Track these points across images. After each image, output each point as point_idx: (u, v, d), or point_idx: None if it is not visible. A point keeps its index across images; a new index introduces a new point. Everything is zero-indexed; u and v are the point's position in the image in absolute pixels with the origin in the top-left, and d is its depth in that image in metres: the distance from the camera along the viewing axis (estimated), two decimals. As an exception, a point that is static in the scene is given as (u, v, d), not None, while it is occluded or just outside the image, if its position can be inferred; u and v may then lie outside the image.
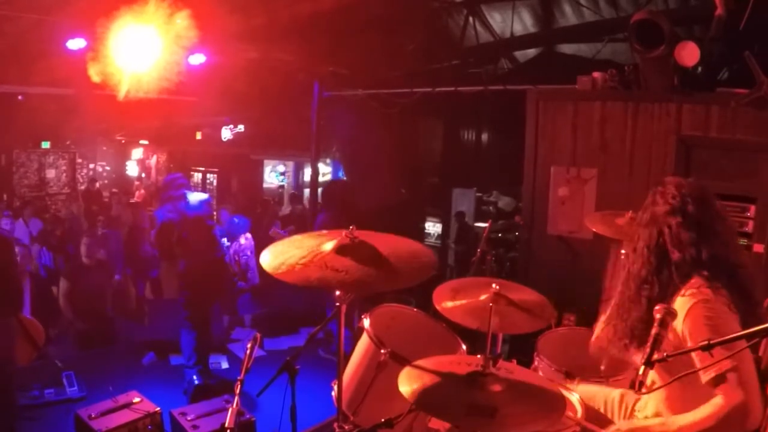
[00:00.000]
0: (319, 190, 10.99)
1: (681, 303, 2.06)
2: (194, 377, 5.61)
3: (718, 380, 1.90)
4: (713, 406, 1.91)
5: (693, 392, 2.02)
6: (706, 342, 1.67)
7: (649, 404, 2.26)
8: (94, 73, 5.92)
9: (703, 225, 2.17)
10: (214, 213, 9.41)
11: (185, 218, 5.70)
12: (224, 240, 7.80)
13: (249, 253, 7.89)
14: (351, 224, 2.42)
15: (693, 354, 1.91)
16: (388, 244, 2.45)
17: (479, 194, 9.74)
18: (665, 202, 2.23)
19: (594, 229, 3.36)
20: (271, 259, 2.35)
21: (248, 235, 7.98)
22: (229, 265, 7.48)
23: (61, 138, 14.74)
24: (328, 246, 2.36)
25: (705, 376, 1.93)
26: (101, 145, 16.22)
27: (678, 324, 2.03)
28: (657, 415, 2.19)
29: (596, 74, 5.20)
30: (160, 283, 8.60)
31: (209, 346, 6.03)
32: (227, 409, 2.28)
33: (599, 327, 2.49)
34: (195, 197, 5.91)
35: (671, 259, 2.16)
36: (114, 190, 13.70)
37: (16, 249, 5.44)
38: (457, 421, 1.98)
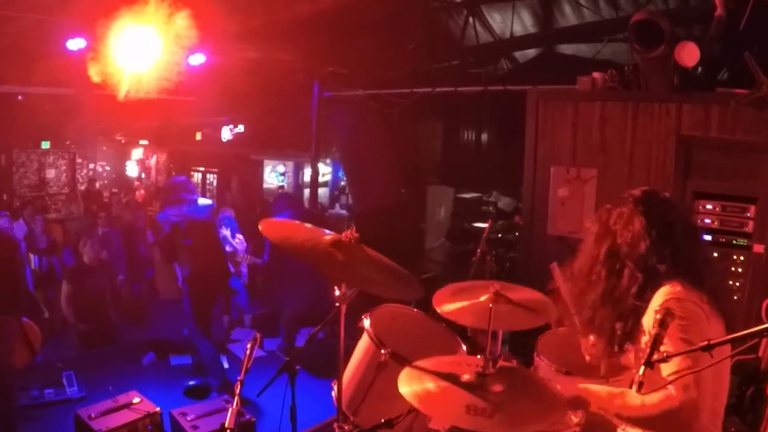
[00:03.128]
0: (319, 190, 11.00)
1: (655, 300, 2.06)
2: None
3: (678, 375, 1.87)
4: (665, 395, 1.87)
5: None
6: (705, 342, 1.67)
7: None
8: (94, 73, 5.93)
9: (667, 229, 2.16)
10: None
11: (191, 223, 5.67)
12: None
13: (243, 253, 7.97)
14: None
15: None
16: (378, 257, 2.65)
17: (479, 194, 9.74)
18: (628, 211, 2.20)
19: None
20: (278, 233, 2.59)
21: (240, 236, 8.02)
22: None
23: (61, 138, 14.74)
24: (326, 237, 2.54)
25: (666, 369, 1.90)
26: (101, 145, 16.22)
27: (647, 322, 2.02)
28: None
29: (596, 74, 5.19)
30: (155, 283, 8.62)
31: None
32: (227, 409, 2.28)
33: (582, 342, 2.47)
34: (200, 202, 5.95)
35: (639, 265, 2.14)
36: (114, 190, 13.70)
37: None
38: (457, 421, 1.97)
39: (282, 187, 15.68)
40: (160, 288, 8.50)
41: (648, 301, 2.10)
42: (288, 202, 7.06)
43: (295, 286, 6.43)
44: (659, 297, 2.05)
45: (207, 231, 5.86)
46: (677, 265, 2.10)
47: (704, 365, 1.74)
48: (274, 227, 2.66)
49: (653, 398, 1.90)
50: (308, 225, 2.73)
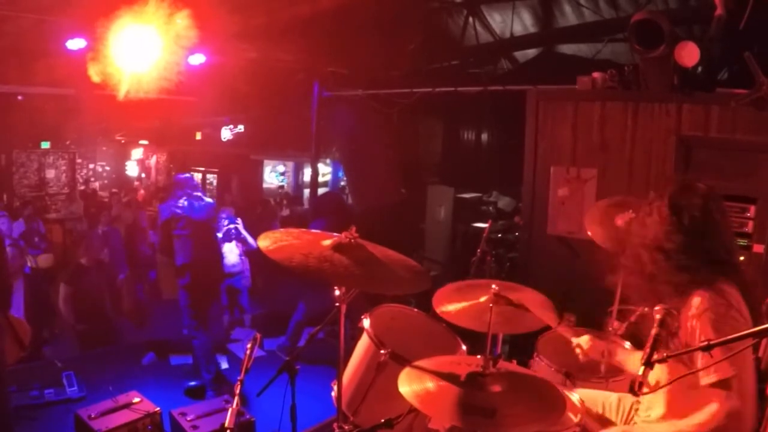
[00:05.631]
0: (319, 190, 10.99)
1: (695, 303, 2.05)
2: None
3: (720, 385, 1.90)
4: (708, 413, 1.91)
5: (696, 393, 2.01)
6: (706, 342, 1.67)
7: (656, 405, 2.25)
8: (94, 73, 5.92)
9: (706, 229, 2.14)
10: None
11: (189, 217, 5.69)
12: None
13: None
14: (346, 229, 2.50)
15: (696, 354, 1.90)
16: (382, 251, 2.55)
17: (479, 194, 9.72)
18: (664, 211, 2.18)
19: (589, 232, 3.29)
20: (271, 243, 2.43)
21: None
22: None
23: (61, 138, 14.75)
24: (326, 242, 2.45)
25: (706, 379, 1.92)
26: (101, 145, 16.23)
27: (690, 322, 2.02)
28: (664, 415, 2.18)
29: (596, 74, 5.19)
30: (158, 283, 8.60)
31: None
32: (227, 409, 2.28)
33: None
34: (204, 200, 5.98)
35: (679, 264, 2.12)
36: (114, 190, 13.70)
37: (9, 249, 5.42)
38: (456, 421, 1.97)
39: (282, 186, 15.69)
40: (163, 288, 8.48)
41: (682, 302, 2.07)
42: (333, 204, 6.83)
43: (312, 288, 6.39)
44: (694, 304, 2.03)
45: (203, 226, 5.86)
46: (713, 264, 2.09)
47: (747, 371, 1.75)
48: (273, 241, 2.47)
49: (700, 418, 1.93)
50: (309, 233, 2.61)
